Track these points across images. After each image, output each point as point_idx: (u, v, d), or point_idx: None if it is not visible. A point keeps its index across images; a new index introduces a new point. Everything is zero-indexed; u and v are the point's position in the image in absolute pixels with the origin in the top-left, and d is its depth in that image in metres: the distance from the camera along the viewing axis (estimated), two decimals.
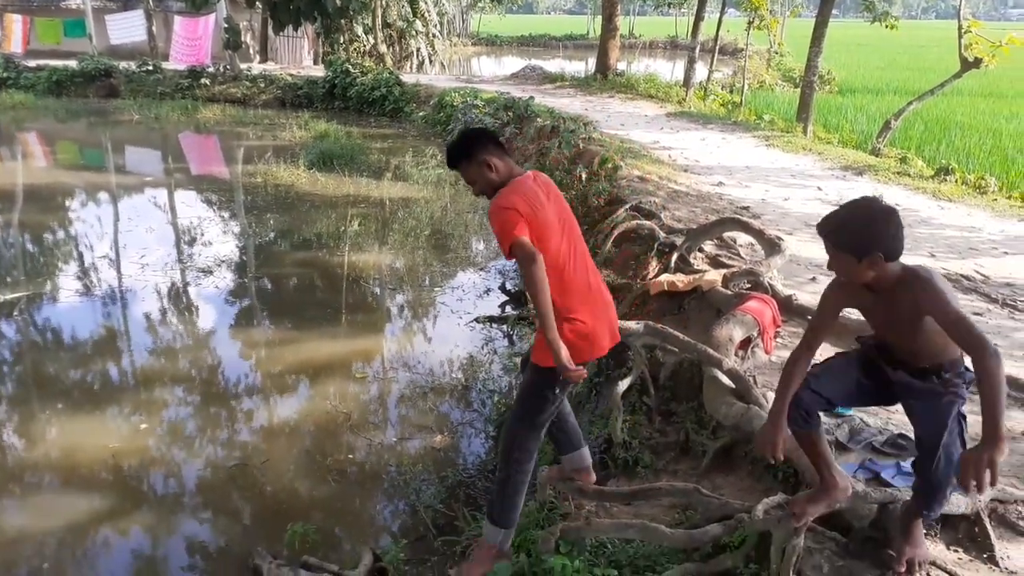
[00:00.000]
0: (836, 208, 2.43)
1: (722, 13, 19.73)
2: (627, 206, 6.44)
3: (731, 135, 12.38)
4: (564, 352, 2.64)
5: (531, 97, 14.72)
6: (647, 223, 6.00)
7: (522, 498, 3.03)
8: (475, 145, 2.90)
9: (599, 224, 6.58)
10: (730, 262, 5.47)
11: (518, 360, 5.98)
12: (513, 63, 34.75)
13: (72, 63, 22.23)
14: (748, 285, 4.85)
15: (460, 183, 11.87)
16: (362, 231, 9.34)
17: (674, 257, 5.40)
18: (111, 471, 4.49)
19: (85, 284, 7.73)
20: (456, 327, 6.69)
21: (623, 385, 3.98)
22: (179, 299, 7.37)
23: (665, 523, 3.05)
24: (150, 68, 22.12)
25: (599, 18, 25.95)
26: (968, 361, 2.27)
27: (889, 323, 2.46)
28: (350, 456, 4.69)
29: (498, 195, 2.82)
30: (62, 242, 9.34)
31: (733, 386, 3.66)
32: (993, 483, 2.17)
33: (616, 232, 5.99)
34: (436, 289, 7.73)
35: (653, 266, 5.57)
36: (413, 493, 4.26)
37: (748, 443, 3.49)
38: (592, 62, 24.28)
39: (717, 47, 19.88)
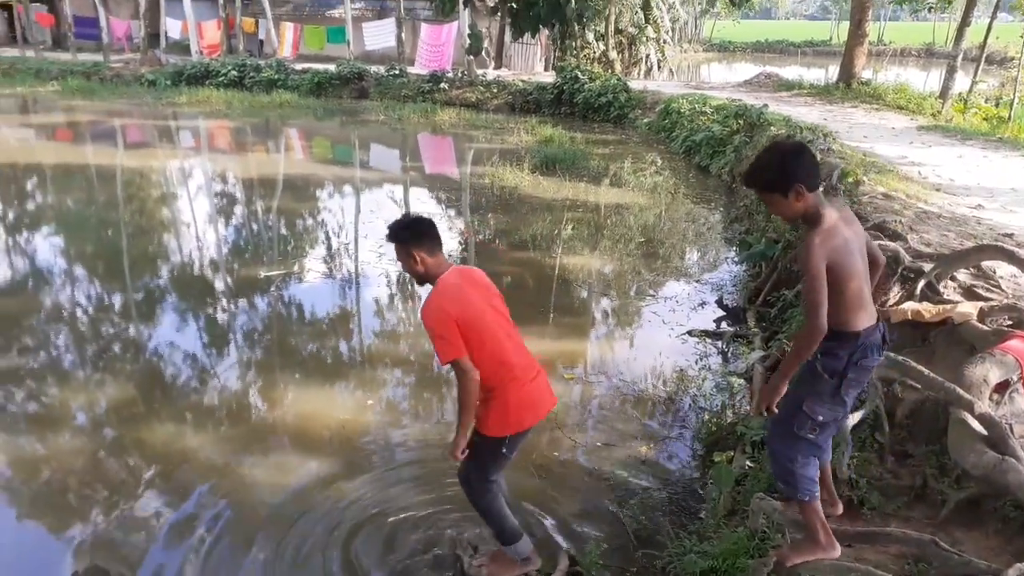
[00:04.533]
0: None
1: (993, 17, 17.67)
2: (869, 225, 5.92)
3: (995, 153, 11.03)
4: (462, 445, 3.17)
5: (764, 105, 14.12)
6: (891, 244, 5.47)
7: (505, 512, 3.41)
8: (409, 236, 3.11)
9: None
10: (988, 295, 4.85)
11: (731, 379, 5.74)
12: (746, 69, 33.58)
13: (331, 67, 24.65)
14: (1010, 322, 4.29)
15: (679, 192, 11.68)
16: (575, 235, 9.43)
17: (920, 284, 4.88)
18: (339, 441, 4.88)
19: (329, 268, 8.52)
20: (667, 338, 6.54)
21: (855, 418, 3.66)
22: (406, 288, 7.88)
23: (891, 572, 2.78)
24: (396, 72, 23.94)
25: (844, 23, 24.29)
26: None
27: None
28: (555, 454, 4.73)
29: (431, 299, 3.09)
30: (312, 228, 10.35)
31: (985, 433, 3.26)
32: (767, 412, 2.72)
33: None
34: (647, 298, 7.61)
35: (895, 292, 5.07)
36: (615, 501, 4.21)
37: (999, 497, 3.09)
38: (833, 69, 22.88)
39: (984, 55, 17.85)
